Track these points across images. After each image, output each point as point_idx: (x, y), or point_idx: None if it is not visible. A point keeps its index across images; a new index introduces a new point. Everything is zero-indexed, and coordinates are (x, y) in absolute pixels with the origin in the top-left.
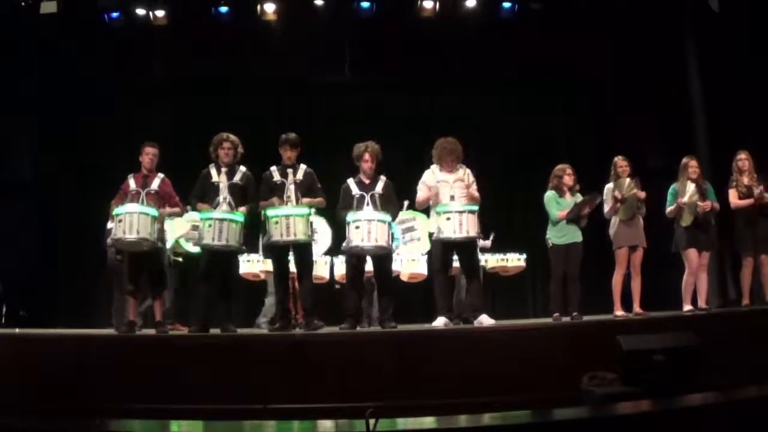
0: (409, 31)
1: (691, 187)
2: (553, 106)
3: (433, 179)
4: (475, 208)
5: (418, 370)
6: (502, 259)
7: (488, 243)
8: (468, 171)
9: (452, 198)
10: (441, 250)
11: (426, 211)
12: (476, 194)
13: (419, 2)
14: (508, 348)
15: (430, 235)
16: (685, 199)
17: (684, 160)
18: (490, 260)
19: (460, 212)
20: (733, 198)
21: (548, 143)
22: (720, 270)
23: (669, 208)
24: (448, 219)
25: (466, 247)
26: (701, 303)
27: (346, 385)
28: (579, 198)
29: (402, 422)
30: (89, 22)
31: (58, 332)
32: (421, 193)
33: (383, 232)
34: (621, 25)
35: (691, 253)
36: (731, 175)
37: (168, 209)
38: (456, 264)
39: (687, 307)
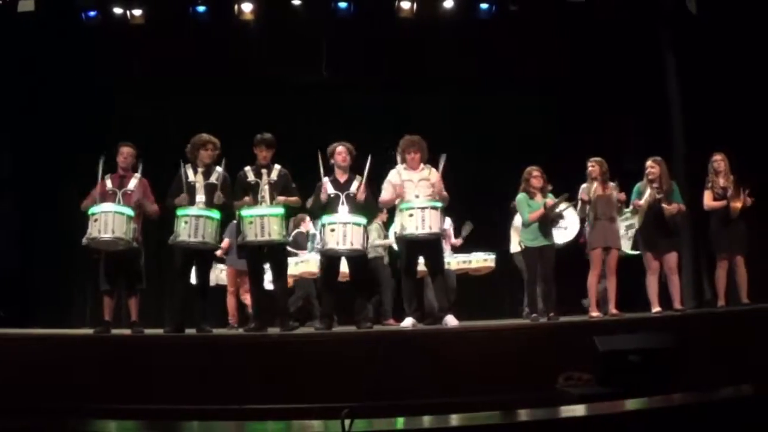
0: (387, 32)
1: (647, 190)
2: (531, 106)
3: (399, 178)
4: (439, 204)
5: (395, 370)
6: (465, 261)
7: (459, 241)
8: (433, 170)
9: (417, 197)
10: (406, 249)
11: None
12: (444, 193)
13: (397, 3)
14: (484, 348)
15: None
16: (641, 201)
17: (646, 162)
18: (452, 262)
19: (422, 208)
20: (708, 199)
21: (526, 143)
22: (695, 271)
23: (634, 202)
24: (411, 215)
25: (430, 245)
26: (675, 304)
27: (322, 386)
28: (550, 198)
29: (378, 423)
30: (66, 20)
31: (36, 332)
32: (386, 193)
33: (358, 235)
34: (599, 26)
35: (647, 255)
36: (707, 176)
37: (147, 202)
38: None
39: (655, 308)
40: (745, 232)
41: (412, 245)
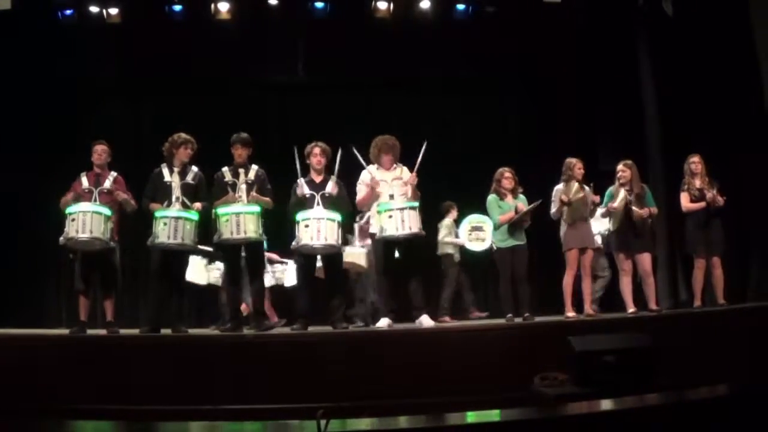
0: (364, 32)
1: (621, 193)
2: (507, 106)
3: (371, 178)
4: (416, 204)
5: (370, 371)
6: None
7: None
8: (405, 169)
9: (391, 197)
10: (384, 249)
11: None
12: (417, 192)
13: (373, 3)
14: (459, 349)
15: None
16: (615, 204)
17: (618, 165)
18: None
19: (401, 209)
20: (685, 201)
21: (501, 143)
22: (671, 272)
23: (601, 210)
24: (390, 217)
25: (410, 244)
26: (651, 305)
27: (297, 386)
28: (522, 200)
29: (353, 423)
30: (44, 18)
31: (10, 332)
32: (361, 193)
33: (333, 231)
34: (575, 27)
35: (619, 256)
36: (683, 178)
37: (123, 195)
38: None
39: (630, 309)
40: (721, 233)
41: (390, 245)
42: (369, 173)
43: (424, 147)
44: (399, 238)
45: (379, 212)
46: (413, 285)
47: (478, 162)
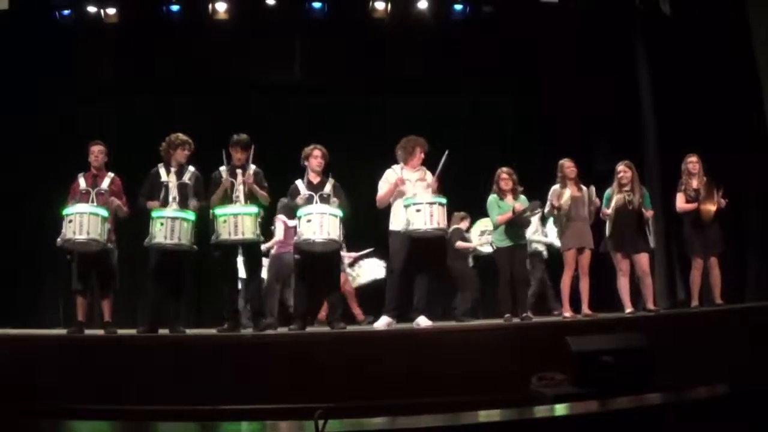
0: (361, 32)
1: (617, 196)
2: (504, 106)
3: (395, 177)
4: (444, 200)
5: (368, 371)
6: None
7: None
8: (428, 172)
9: (415, 196)
10: (410, 244)
11: None
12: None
13: (371, 3)
14: (457, 349)
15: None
16: (609, 210)
17: (617, 166)
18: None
19: (431, 204)
20: (680, 202)
21: (499, 144)
22: (669, 272)
23: (602, 211)
24: (418, 211)
25: (434, 242)
26: (648, 305)
27: (295, 386)
28: (522, 200)
29: (351, 423)
30: (41, 19)
31: (8, 332)
32: (383, 190)
33: (335, 226)
34: (573, 27)
35: (617, 257)
36: (680, 178)
37: (116, 201)
38: None
39: (628, 309)
40: (719, 233)
41: (417, 242)
42: (394, 172)
43: (445, 156)
44: (426, 233)
45: (405, 206)
46: (425, 285)
47: (477, 163)
